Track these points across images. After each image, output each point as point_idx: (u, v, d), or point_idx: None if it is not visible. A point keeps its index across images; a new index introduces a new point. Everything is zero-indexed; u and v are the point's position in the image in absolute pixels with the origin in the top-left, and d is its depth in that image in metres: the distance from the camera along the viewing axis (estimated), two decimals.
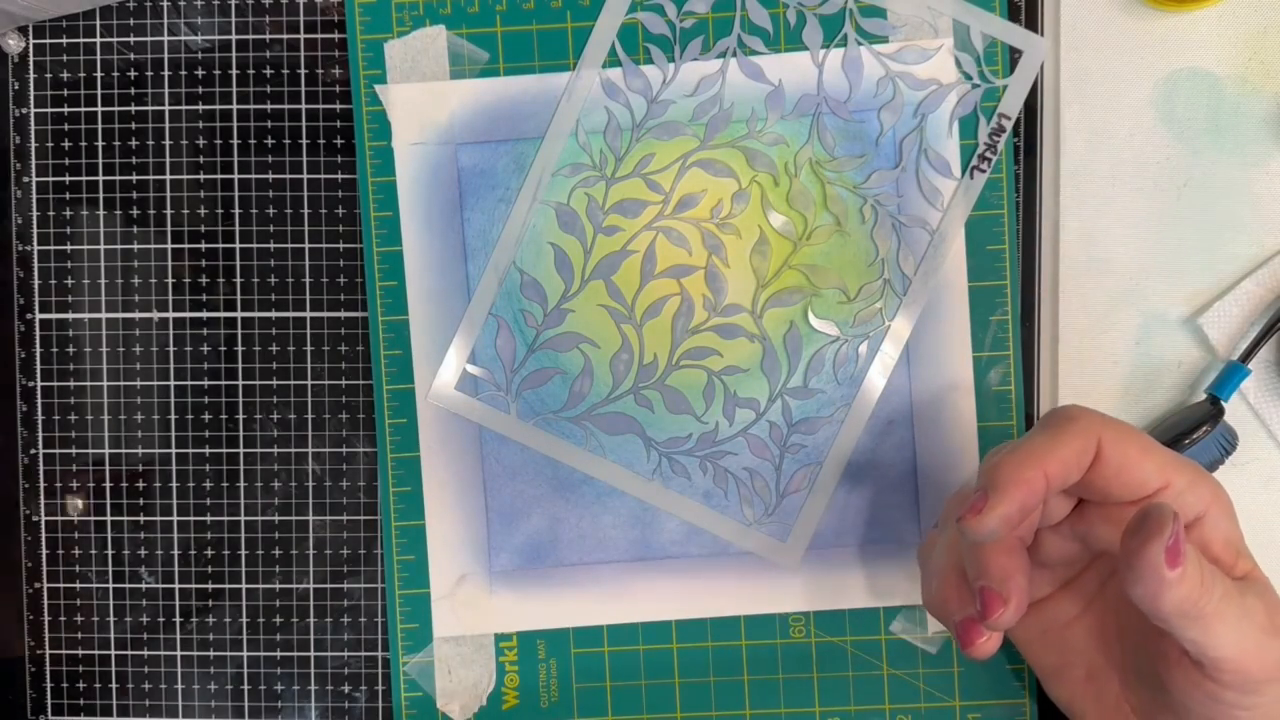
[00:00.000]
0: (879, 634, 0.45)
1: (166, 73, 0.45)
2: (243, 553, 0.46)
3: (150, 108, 0.45)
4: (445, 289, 0.45)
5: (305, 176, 0.45)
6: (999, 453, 0.34)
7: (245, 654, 0.46)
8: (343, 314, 0.45)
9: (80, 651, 0.46)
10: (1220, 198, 0.44)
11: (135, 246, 0.45)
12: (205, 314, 0.45)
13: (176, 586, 0.46)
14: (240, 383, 0.45)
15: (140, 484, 0.46)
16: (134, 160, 0.45)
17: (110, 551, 0.46)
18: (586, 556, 0.45)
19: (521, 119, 0.44)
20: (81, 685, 0.46)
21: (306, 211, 0.45)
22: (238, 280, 0.45)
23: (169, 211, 0.45)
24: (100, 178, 0.45)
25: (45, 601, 0.46)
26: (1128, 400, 0.44)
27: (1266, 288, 0.44)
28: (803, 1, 0.44)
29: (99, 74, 0.45)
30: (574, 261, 0.44)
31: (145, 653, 0.46)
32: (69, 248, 0.45)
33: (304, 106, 0.45)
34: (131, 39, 0.45)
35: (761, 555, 0.45)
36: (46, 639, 0.46)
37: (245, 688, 0.46)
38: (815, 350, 0.44)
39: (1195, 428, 0.42)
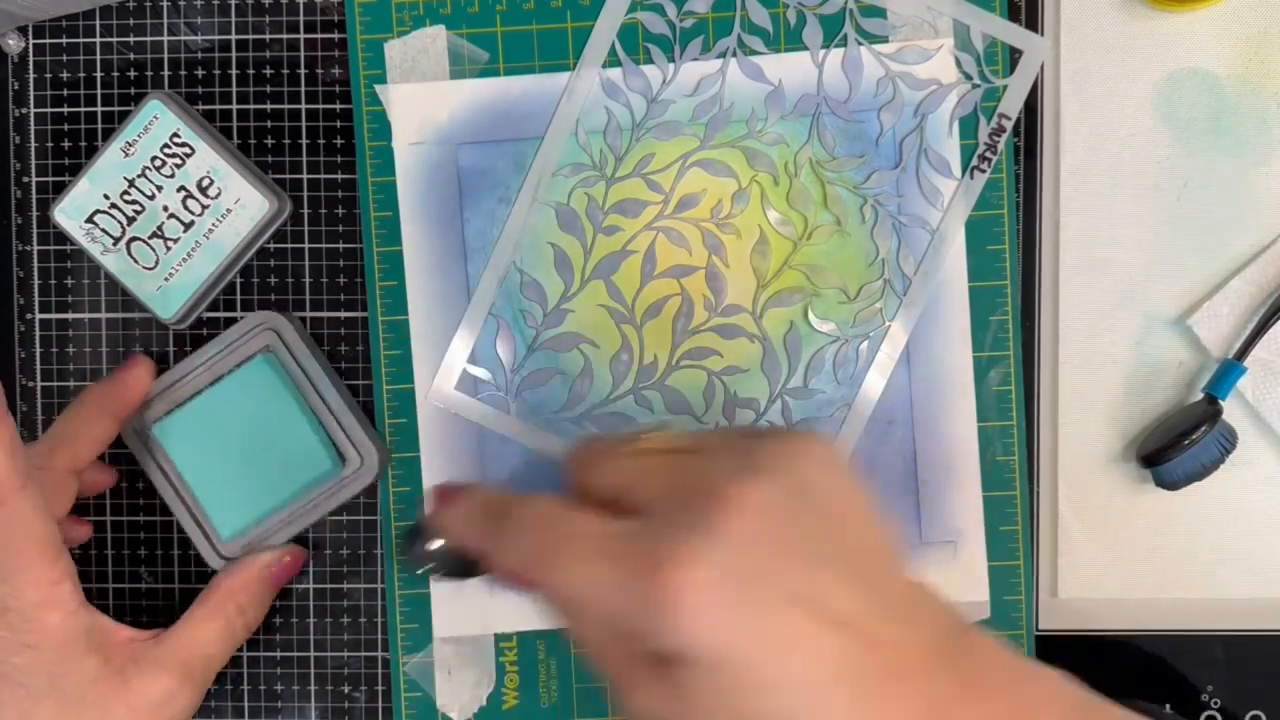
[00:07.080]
0: None
1: (166, 73, 0.45)
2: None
3: None
4: (445, 289, 0.45)
5: (305, 176, 0.45)
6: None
7: (245, 654, 0.45)
8: (343, 314, 0.45)
9: None
10: (1220, 198, 0.44)
11: None
12: (205, 314, 0.45)
13: (176, 587, 0.46)
14: None
15: (140, 484, 0.45)
16: None
17: (110, 551, 0.46)
18: None
19: (521, 119, 0.44)
20: None
21: (306, 211, 0.45)
22: (238, 280, 0.45)
23: None
24: None
25: None
26: (1127, 400, 0.44)
27: (1256, 285, 0.43)
28: (803, 1, 0.44)
29: (99, 74, 0.45)
30: (574, 261, 0.44)
31: None
32: (69, 248, 0.45)
33: (304, 106, 0.45)
34: (131, 39, 0.45)
35: None
36: None
37: (245, 688, 0.46)
38: (815, 350, 0.44)
39: (1194, 427, 0.42)
